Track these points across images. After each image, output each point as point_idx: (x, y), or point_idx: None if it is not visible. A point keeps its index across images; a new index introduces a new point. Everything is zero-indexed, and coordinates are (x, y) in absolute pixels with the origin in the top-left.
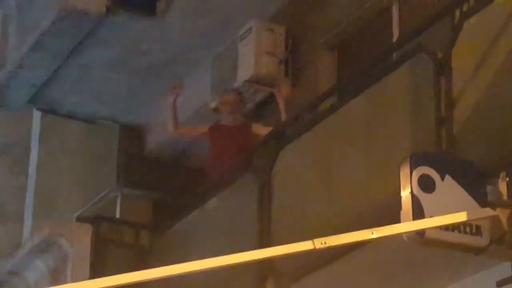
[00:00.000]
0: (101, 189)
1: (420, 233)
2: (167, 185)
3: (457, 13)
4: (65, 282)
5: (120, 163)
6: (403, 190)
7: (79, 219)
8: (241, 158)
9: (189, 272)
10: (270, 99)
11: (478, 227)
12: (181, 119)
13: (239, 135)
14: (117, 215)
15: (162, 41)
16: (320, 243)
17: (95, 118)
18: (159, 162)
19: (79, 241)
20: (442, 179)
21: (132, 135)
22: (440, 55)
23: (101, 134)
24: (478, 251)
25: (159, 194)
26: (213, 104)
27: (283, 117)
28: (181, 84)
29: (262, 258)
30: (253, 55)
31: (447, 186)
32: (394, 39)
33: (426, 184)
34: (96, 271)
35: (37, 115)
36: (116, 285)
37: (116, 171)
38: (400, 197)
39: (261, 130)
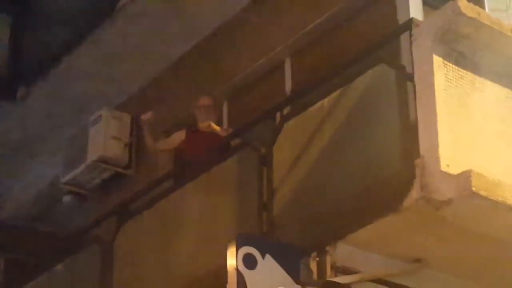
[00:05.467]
0: None
1: None
2: (19, 247)
3: (278, 115)
4: None
5: None
6: (229, 266)
7: None
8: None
9: None
10: (115, 178)
11: None
12: (32, 193)
13: (216, 140)
14: None
15: (21, 122)
16: None
17: None
18: (14, 227)
19: None
20: (263, 257)
21: None
22: (263, 150)
23: None
24: None
25: (10, 255)
26: (64, 179)
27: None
28: (148, 114)
29: None
30: (102, 139)
31: (267, 264)
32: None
33: (249, 262)
34: None
35: None
36: None
37: None
38: (226, 272)
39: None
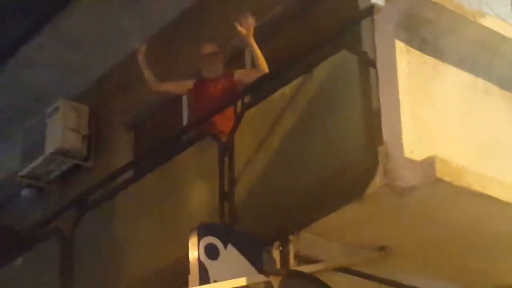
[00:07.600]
0: None
1: None
2: None
3: (239, 104)
4: None
5: None
6: (191, 256)
7: None
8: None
9: None
10: (74, 170)
11: None
12: None
13: (221, 86)
14: None
15: None
16: None
17: None
18: None
19: None
20: (225, 247)
21: None
22: (224, 139)
23: None
24: None
25: None
26: (22, 172)
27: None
28: (141, 46)
29: None
30: (60, 130)
31: (230, 254)
32: (184, 122)
33: (211, 252)
34: None
35: None
36: None
37: None
38: (188, 263)
39: (247, 75)
